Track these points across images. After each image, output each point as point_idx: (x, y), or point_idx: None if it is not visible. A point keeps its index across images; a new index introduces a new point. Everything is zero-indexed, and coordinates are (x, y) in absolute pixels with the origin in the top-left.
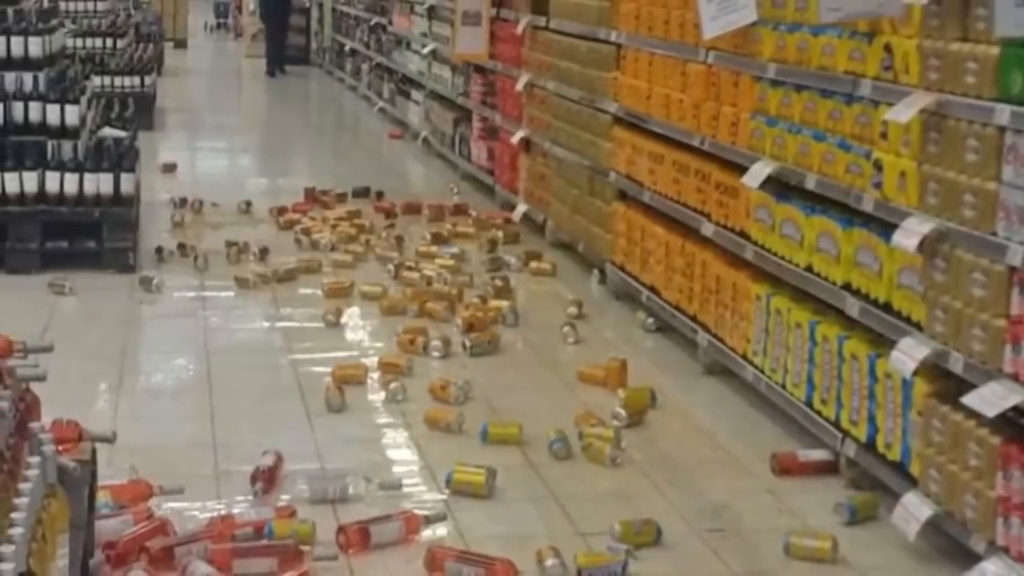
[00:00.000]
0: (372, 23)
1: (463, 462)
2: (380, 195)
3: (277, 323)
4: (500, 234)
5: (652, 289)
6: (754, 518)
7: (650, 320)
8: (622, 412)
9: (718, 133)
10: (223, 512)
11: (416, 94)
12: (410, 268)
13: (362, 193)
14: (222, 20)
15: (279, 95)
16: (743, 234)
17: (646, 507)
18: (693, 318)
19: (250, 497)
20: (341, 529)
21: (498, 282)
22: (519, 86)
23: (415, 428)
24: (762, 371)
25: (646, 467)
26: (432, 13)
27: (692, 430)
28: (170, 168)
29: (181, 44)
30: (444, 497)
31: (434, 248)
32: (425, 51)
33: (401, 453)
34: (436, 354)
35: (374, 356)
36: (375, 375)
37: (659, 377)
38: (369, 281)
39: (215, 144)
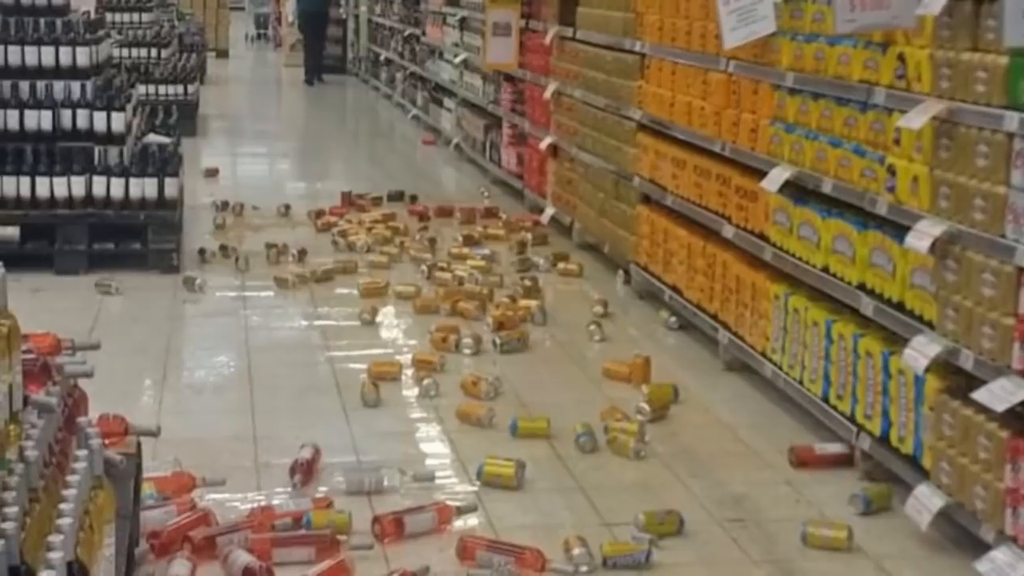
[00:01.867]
0: (406, 34)
1: (493, 455)
2: (414, 199)
3: (315, 322)
4: (529, 236)
5: (675, 289)
6: (773, 508)
7: (673, 319)
8: (646, 407)
9: (738, 139)
10: (263, 503)
11: (448, 102)
12: (442, 269)
13: (397, 197)
14: (262, 31)
15: (317, 103)
16: (762, 236)
17: (669, 498)
18: (714, 317)
19: (289, 489)
20: (376, 519)
21: (527, 282)
22: (547, 94)
23: (447, 422)
24: (780, 367)
25: (669, 460)
26: (464, 24)
27: (713, 424)
28: (212, 173)
29: (223, 54)
30: (475, 489)
31: (465, 249)
32: (457, 61)
33: (434, 446)
34: (467, 351)
35: (408, 353)
36: (409, 372)
37: (681, 373)
38: (403, 281)
39: (255, 150)
